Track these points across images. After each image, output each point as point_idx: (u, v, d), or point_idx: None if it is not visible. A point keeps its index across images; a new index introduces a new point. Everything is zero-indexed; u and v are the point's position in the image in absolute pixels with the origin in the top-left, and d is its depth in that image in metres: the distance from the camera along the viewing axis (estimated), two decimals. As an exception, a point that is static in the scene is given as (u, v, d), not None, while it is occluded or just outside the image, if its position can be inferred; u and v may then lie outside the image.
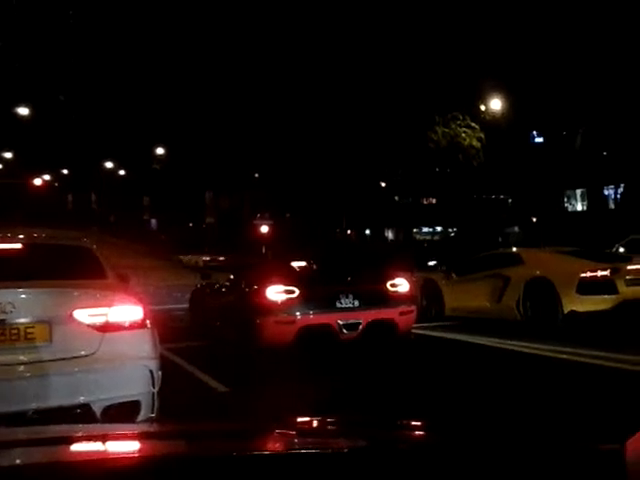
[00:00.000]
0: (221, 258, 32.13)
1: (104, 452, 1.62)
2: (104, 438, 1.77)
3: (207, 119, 34.32)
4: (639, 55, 22.07)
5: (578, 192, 36.46)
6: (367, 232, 44.60)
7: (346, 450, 1.55)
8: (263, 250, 30.67)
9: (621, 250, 11.51)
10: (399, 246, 36.01)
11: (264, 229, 34.83)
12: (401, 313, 7.86)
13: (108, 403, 3.83)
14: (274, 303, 7.42)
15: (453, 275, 11.18)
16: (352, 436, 1.73)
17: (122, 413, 3.85)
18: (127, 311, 4.02)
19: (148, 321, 4.12)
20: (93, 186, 53.74)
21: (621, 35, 22.33)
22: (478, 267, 10.77)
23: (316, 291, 7.63)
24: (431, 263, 13.12)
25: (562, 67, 24.60)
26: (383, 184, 37.30)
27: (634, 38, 22.08)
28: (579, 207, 36.38)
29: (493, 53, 26.28)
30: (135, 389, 3.99)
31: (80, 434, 1.91)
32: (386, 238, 44.95)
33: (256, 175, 38.45)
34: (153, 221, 50.91)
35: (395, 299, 7.91)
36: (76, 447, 1.71)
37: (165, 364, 4.62)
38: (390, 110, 29.01)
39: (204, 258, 33.10)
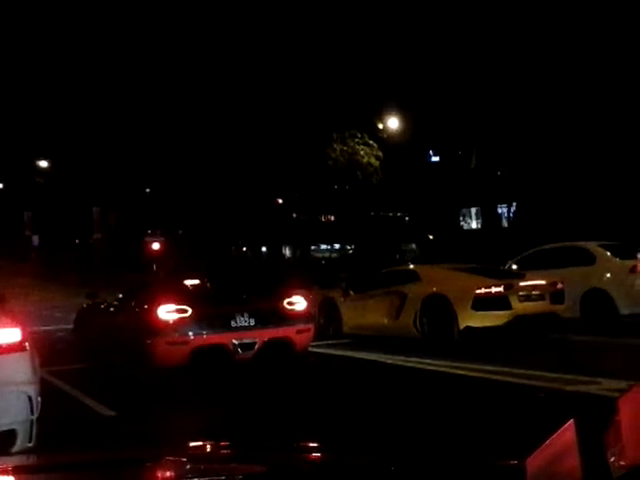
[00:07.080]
0: None
1: None
2: None
3: (93, 130, 32.98)
4: (531, 79, 23.42)
5: (473, 210, 37.46)
6: (264, 249, 44.52)
7: (241, 477, 1.49)
8: (154, 268, 29.79)
9: (514, 267, 12.04)
10: (297, 263, 36.18)
11: (155, 246, 33.84)
12: (298, 331, 7.77)
13: None
14: (166, 323, 7.17)
15: (351, 292, 11.16)
16: (246, 461, 1.67)
17: None
18: (2, 334, 3.73)
19: (27, 344, 3.87)
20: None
21: (514, 59, 23.59)
22: (376, 284, 10.83)
23: (210, 310, 7.45)
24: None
25: (458, 88, 25.73)
26: (280, 201, 37.40)
27: (526, 61, 23.38)
28: (474, 225, 37.59)
29: (391, 72, 27.08)
30: (10, 417, 3.76)
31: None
32: (283, 255, 45.07)
33: (147, 190, 37.35)
34: (35, 237, 48.04)
35: (292, 317, 7.81)
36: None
37: (47, 389, 4.35)
38: (287, 127, 29.17)
39: None
